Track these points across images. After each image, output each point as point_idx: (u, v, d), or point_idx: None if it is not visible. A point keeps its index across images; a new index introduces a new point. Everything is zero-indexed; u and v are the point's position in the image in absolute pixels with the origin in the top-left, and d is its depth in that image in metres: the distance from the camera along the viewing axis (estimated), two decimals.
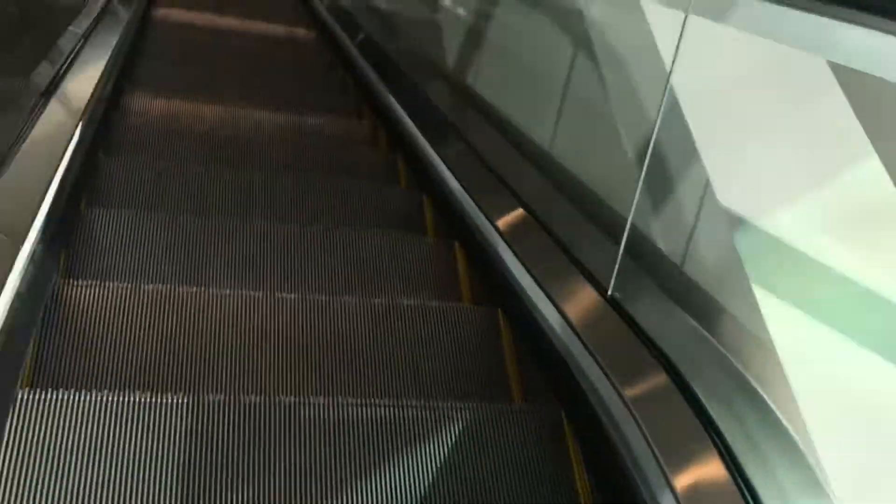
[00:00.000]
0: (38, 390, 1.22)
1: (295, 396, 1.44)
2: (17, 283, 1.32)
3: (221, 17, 4.91)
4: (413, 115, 2.79)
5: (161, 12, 4.64)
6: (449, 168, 2.35)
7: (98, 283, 1.63)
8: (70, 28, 2.62)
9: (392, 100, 3.03)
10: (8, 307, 1.22)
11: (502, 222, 1.94)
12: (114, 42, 2.83)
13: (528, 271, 1.72)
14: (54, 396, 1.22)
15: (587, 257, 1.64)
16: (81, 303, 1.56)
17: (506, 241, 1.86)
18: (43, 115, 1.94)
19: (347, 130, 3.24)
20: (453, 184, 2.28)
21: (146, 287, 1.65)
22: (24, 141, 1.73)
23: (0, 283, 1.24)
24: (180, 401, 1.28)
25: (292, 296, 1.74)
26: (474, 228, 2.05)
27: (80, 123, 2.05)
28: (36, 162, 1.72)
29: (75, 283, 1.61)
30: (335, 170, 2.66)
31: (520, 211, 1.93)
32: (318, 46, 4.77)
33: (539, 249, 1.78)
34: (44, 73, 2.16)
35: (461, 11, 2.99)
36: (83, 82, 2.25)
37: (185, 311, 1.62)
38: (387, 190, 2.62)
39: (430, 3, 3.39)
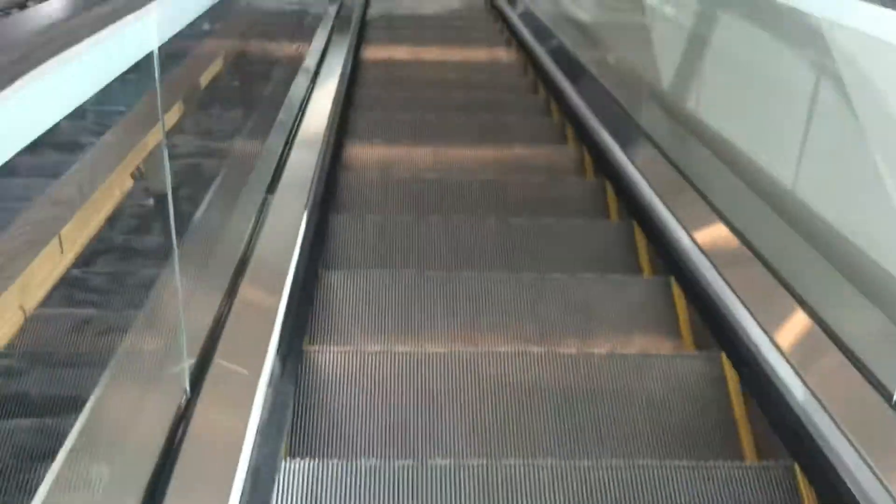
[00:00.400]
0: (298, 459, 1.37)
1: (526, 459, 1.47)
2: (276, 347, 1.51)
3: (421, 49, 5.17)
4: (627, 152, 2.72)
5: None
6: (666, 205, 2.26)
7: (343, 348, 1.79)
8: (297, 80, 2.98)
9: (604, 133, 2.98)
10: (269, 376, 1.40)
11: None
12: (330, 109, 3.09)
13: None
14: (315, 465, 1.35)
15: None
16: (329, 369, 1.72)
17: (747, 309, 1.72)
18: (279, 188, 2.20)
19: (551, 159, 3.26)
20: (666, 216, 2.21)
21: (393, 349, 1.78)
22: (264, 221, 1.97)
23: (262, 352, 1.43)
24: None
25: (505, 349, 1.80)
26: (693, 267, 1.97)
27: (311, 191, 2.28)
28: (278, 237, 1.95)
29: (322, 348, 1.79)
30: (539, 209, 2.68)
31: (750, 256, 1.82)
32: (520, 68, 4.86)
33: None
34: (275, 144, 2.44)
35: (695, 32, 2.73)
36: (310, 152, 2.50)
37: (434, 370, 1.72)
38: (597, 224, 2.59)
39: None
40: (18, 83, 0.65)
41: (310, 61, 3.33)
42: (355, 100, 3.87)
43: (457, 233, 2.42)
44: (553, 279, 2.10)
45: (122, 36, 0.89)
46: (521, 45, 5.14)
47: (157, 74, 1.06)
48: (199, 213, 1.55)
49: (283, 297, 1.67)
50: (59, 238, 0.95)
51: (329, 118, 2.87)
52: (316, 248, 2.16)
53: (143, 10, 0.98)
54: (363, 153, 3.13)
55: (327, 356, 1.73)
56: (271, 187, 2.11)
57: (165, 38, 1.10)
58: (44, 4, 0.88)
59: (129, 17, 0.92)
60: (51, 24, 0.80)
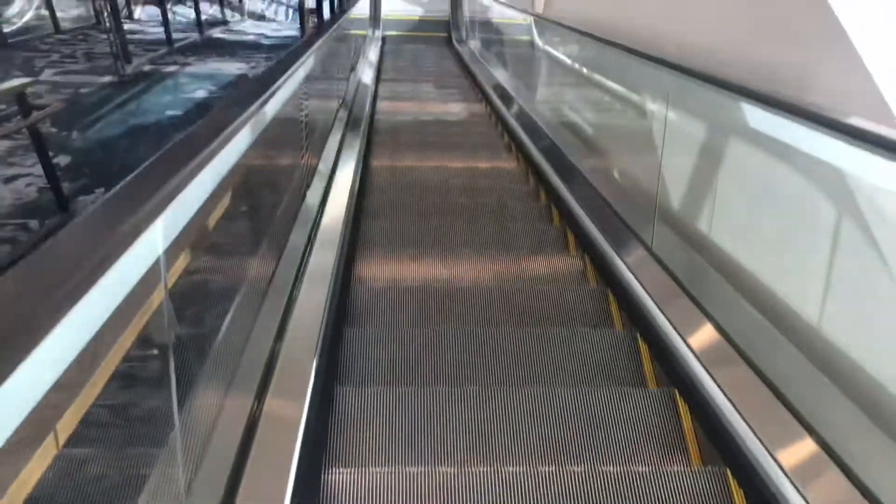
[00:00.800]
0: None
1: None
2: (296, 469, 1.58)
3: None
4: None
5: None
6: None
7: (367, 469, 1.86)
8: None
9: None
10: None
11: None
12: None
13: None
14: None
15: None
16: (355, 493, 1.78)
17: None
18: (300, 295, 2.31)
19: (555, 269, 3.32)
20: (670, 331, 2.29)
21: (403, 470, 1.83)
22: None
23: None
24: None
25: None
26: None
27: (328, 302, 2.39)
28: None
29: (344, 470, 1.84)
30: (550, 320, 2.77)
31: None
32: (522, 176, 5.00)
33: None
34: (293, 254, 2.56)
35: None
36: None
37: (443, 489, 1.78)
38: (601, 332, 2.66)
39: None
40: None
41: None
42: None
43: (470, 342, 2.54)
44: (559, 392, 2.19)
45: (132, 262, 0.98)
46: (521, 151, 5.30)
47: (163, 273, 1.15)
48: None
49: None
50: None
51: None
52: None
53: (149, 232, 1.05)
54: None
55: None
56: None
57: (171, 240, 1.17)
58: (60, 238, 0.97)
59: (138, 245, 1.00)
60: (69, 266, 0.89)
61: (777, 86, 2.29)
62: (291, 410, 1.77)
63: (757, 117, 2.03)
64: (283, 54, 2.44)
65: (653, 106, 3.15)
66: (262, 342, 1.98)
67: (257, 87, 1.82)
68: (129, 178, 1.14)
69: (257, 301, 2.07)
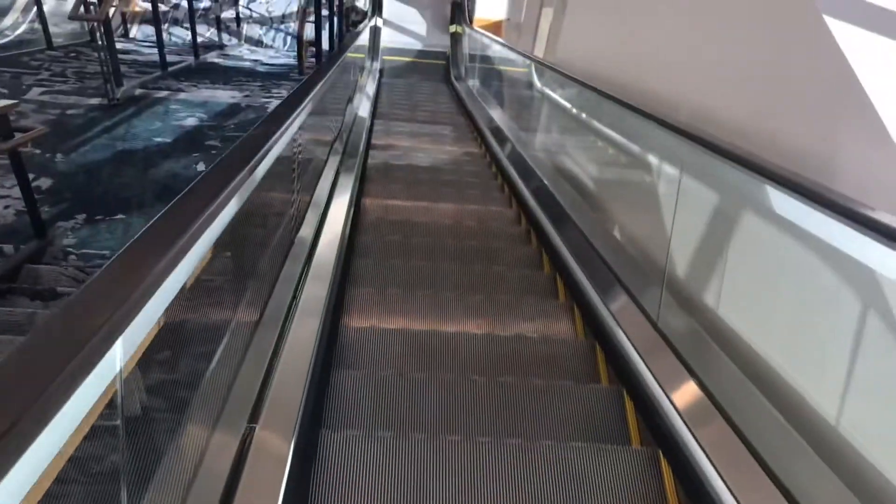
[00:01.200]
0: None
1: None
2: None
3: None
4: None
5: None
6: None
7: None
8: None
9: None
10: None
11: None
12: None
13: None
14: None
15: None
16: None
17: None
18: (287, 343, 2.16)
19: (550, 334, 3.22)
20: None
21: None
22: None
23: None
24: None
25: None
26: None
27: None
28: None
29: None
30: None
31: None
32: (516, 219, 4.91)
33: None
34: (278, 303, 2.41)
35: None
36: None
37: None
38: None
39: None
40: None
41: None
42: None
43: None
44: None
45: (89, 386, 0.86)
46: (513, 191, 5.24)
47: (120, 392, 1.03)
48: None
49: None
50: None
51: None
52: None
53: (109, 355, 0.93)
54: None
55: None
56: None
57: (130, 354, 1.05)
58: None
59: (97, 369, 0.88)
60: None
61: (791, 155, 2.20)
62: None
63: (781, 203, 1.92)
64: (277, 107, 2.31)
65: (667, 171, 3.06)
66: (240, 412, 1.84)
67: (245, 155, 1.68)
68: (88, 284, 1.00)
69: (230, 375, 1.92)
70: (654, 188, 3.07)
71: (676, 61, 3.82)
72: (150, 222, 1.25)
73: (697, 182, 2.53)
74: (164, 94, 7.95)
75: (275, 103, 8.04)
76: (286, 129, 1.98)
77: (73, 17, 6.14)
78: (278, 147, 1.93)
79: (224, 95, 8.22)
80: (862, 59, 2.18)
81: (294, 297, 2.43)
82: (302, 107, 2.36)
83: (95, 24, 6.53)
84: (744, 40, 3.07)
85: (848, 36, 2.24)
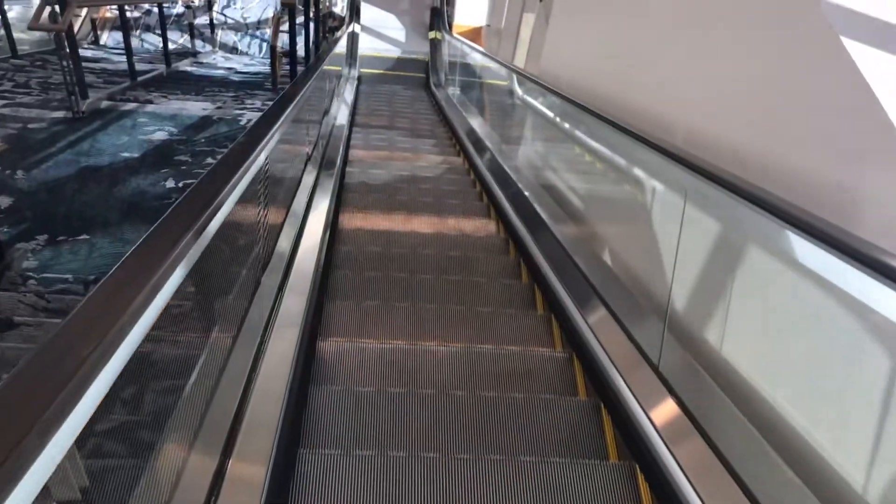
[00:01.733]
0: None
1: None
2: None
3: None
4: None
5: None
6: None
7: None
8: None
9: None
10: None
11: None
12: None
13: None
14: None
15: None
16: None
17: None
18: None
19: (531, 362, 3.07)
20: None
21: None
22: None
23: None
24: None
25: None
26: None
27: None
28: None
29: None
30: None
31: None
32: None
33: None
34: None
35: None
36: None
37: None
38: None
39: None
40: None
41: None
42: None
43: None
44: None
45: None
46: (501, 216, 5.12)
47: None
48: None
49: None
50: None
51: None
52: None
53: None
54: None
55: None
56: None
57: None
58: None
59: None
60: None
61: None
62: None
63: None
64: (242, 136, 2.14)
65: (638, 176, 2.97)
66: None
67: (203, 202, 1.51)
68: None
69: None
70: (632, 199, 2.99)
71: (671, 75, 3.69)
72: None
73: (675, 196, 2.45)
74: (132, 105, 7.73)
75: (248, 115, 7.83)
76: (244, 173, 1.81)
77: (32, 27, 5.90)
78: (237, 192, 1.77)
79: (195, 107, 8.00)
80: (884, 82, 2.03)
81: (259, 350, 2.26)
82: (267, 138, 2.20)
83: (58, 34, 6.30)
84: (746, 55, 2.94)
85: (869, 58, 2.09)
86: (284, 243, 3.09)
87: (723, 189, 1.96)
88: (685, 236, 2.35)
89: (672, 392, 2.24)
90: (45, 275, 4.65)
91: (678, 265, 2.41)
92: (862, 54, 2.10)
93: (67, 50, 6.58)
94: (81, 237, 5.08)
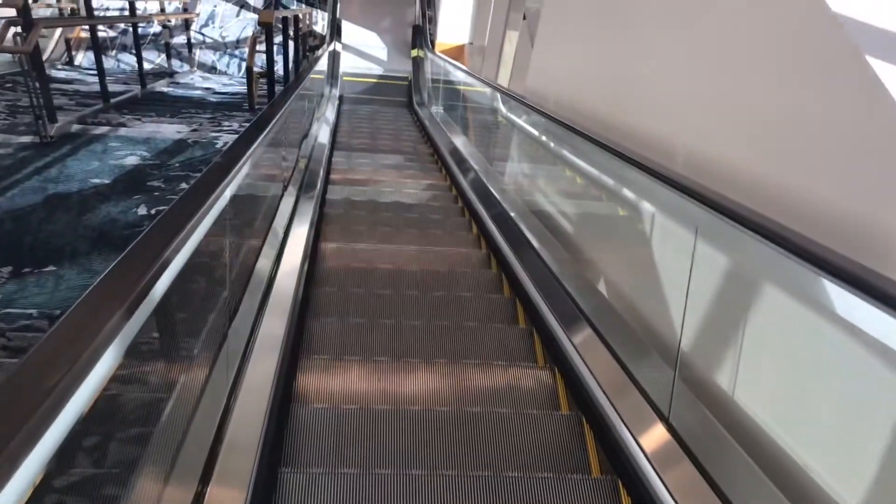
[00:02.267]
0: None
1: None
2: None
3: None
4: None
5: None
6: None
7: None
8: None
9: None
10: None
11: None
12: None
13: None
14: None
15: None
16: None
17: None
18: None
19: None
20: None
21: None
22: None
23: None
24: None
25: None
26: None
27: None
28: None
29: None
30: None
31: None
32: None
33: None
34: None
35: None
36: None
37: None
38: None
39: None
40: None
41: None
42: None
43: None
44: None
45: None
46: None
47: None
48: None
49: None
50: None
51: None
52: None
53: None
54: None
55: None
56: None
57: None
58: None
59: None
60: None
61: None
62: None
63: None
64: (213, 167, 1.99)
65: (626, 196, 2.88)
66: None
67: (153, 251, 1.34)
68: None
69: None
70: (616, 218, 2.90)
71: (673, 99, 3.56)
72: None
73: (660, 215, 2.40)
74: (104, 129, 7.54)
75: (224, 138, 7.66)
76: (202, 216, 1.64)
77: None
78: (196, 237, 1.60)
79: (170, 130, 7.82)
80: None
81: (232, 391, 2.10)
82: (232, 174, 2.03)
83: (23, 58, 6.12)
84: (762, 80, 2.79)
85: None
86: (262, 269, 2.94)
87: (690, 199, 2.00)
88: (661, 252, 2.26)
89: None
90: (7, 310, 4.44)
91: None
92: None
93: (34, 73, 6.40)
94: (48, 269, 4.88)
